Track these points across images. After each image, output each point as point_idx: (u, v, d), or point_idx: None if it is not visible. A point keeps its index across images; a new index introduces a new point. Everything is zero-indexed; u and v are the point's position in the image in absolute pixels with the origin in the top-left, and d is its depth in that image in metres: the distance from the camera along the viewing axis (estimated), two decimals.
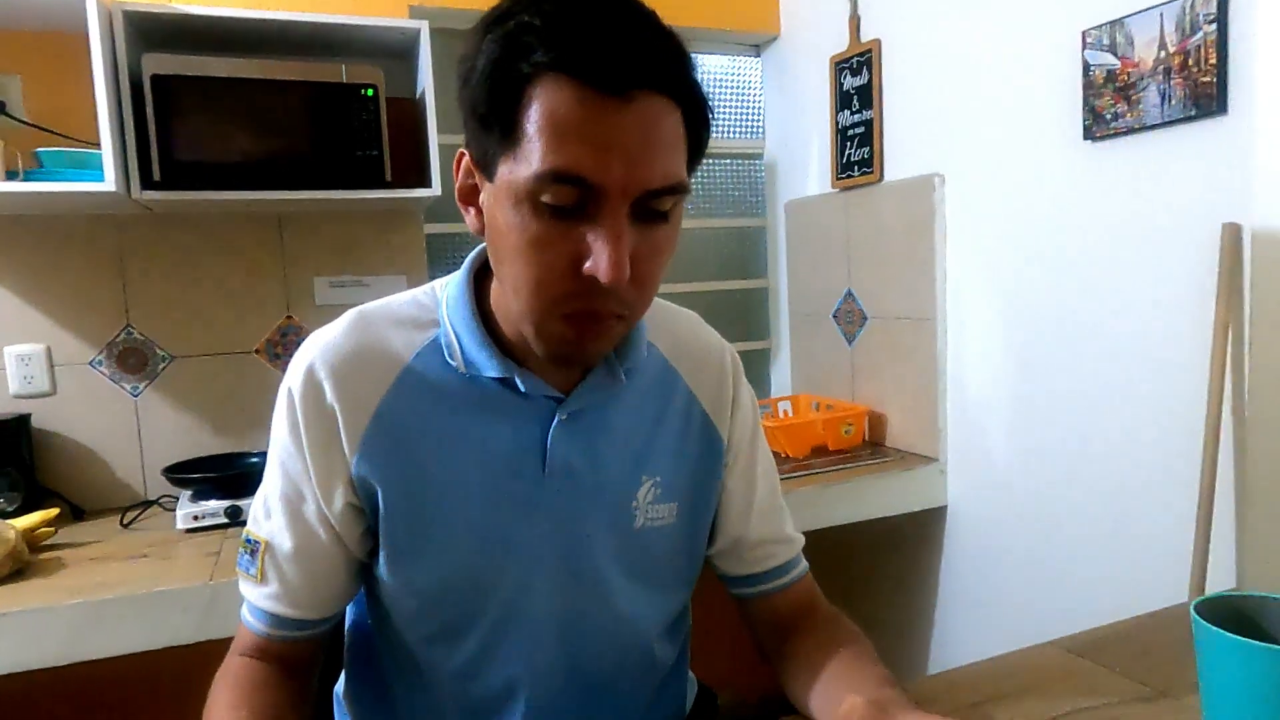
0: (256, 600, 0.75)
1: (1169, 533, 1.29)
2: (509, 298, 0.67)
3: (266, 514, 0.74)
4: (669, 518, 0.78)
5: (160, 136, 1.47)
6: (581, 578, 0.75)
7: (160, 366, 1.76)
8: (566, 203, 0.59)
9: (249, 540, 0.75)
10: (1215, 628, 0.52)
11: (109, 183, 1.41)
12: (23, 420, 1.63)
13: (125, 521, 1.58)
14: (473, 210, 0.69)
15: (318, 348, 0.72)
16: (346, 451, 0.70)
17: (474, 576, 0.73)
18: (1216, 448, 1.18)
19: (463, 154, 0.67)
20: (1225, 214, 1.20)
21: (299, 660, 0.77)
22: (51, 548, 1.45)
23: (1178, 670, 0.56)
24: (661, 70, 0.59)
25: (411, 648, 0.76)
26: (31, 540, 1.41)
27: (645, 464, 0.78)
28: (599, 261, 0.59)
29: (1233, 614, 0.55)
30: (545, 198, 0.59)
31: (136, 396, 1.75)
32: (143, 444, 1.76)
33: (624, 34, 0.58)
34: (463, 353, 0.72)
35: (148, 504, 1.67)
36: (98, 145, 1.44)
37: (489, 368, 0.71)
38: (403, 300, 0.77)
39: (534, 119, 0.58)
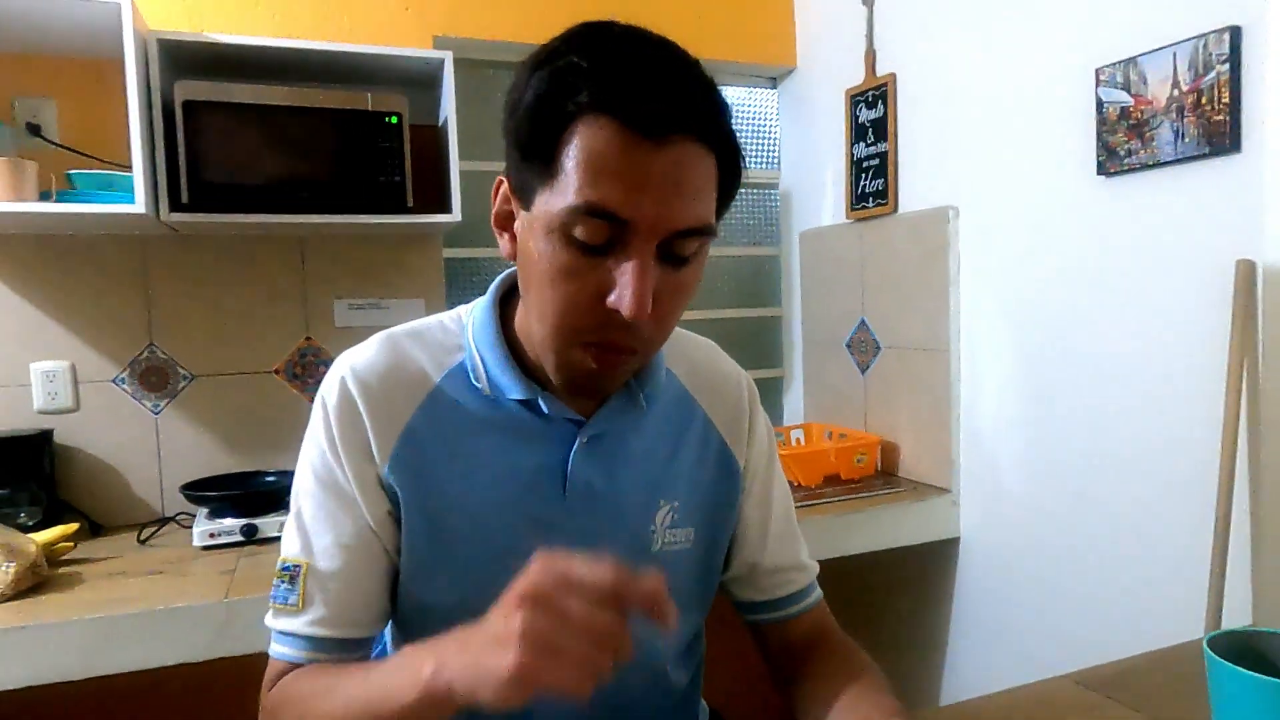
0: (297, 629, 0.73)
1: (1183, 566, 1.28)
2: (533, 323, 0.69)
3: (303, 537, 0.74)
4: (686, 542, 0.80)
5: (189, 160, 1.51)
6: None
7: (181, 385, 1.79)
8: (597, 240, 0.62)
9: (285, 568, 0.74)
10: (1228, 663, 0.52)
11: (139, 205, 1.45)
12: (46, 436, 1.65)
13: (142, 538, 1.60)
14: (507, 235, 0.71)
15: (351, 365, 0.75)
16: (378, 461, 0.72)
17: (492, 594, 0.74)
18: (1231, 482, 1.18)
19: (501, 180, 0.70)
20: (1238, 250, 1.21)
21: None
22: (70, 562, 1.47)
23: (1191, 706, 0.56)
24: (699, 118, 0.62)
25: None
26: (50, 555, 1.43)
27: (663, 488, 0.79)
28: (623, 296, 0.62)
29: (1246, 650, 0.55)
30: (577, 231, 0.62)
31: (157, 414, 1.77)
32: (162, 461, 1.78)
33: (666, 81, 0.61)
34: (488, 375, 0.74)
35: (165, 521, 1.69)
36: (127, 168, 1.48)
37: (513, 390, 0.74)
38: (429, 324, 0.80)
39: (573, 154, 0.61)
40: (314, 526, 0.73)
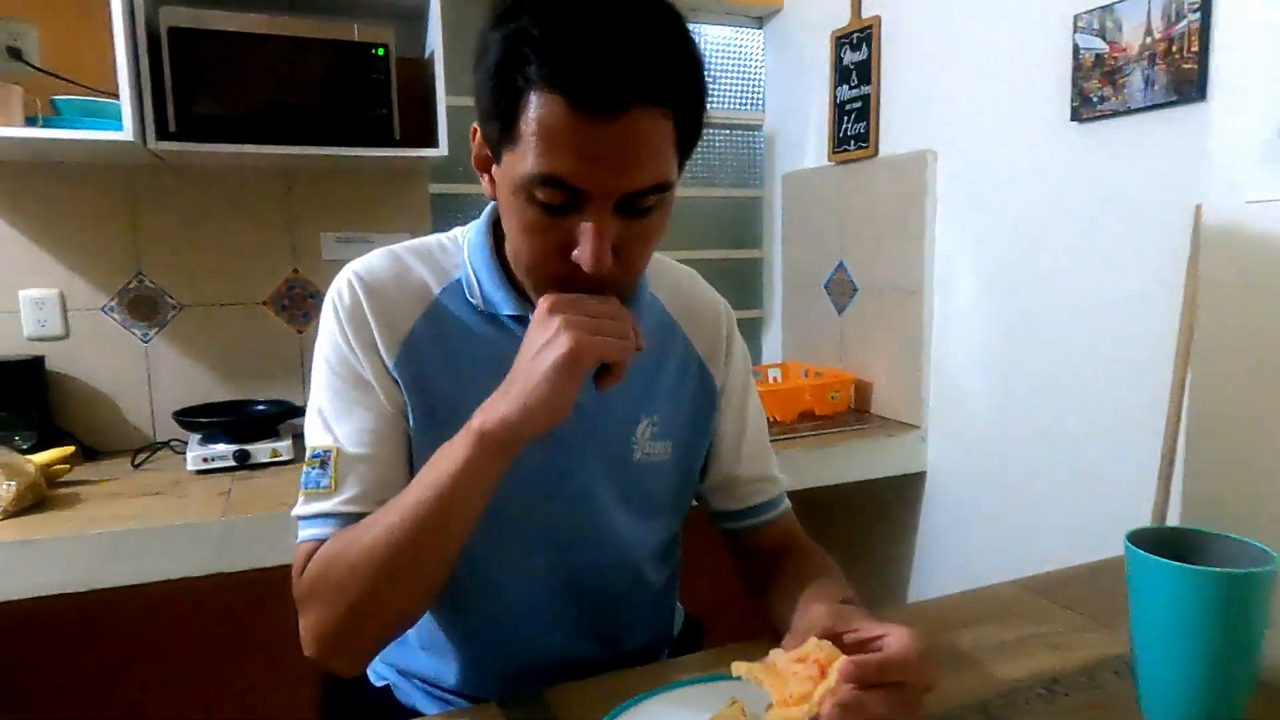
0: (331, 508, 0.75)
1: (1132, 492, 1.37)
2: (514, 262, 0.75)
3: (326, 424, 0.77)
4: (664, 454, 0.86)
5: (176, 89, 1.51)
6: (578, 503, 0.82)
7: (170, 314, 1.81)
8: (554, 202, 0.65)
9: (315, 454, 0.77)
10: (1141, 551, 0.59)
11: (127, 132, 1.45)
12: (37, 362, 1.68)
13: (136, 462, 1.65)
14: (486, 177, 0.75)
15: (357, 271, 0.79)
16: (386, 359, 0.77)
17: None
18: (1180, 413, 1.26)
19: (476, 129, 0.73)
20: (1200, 196, 1.26)
21: None
22: (66, 484, 1.52)
23: (1120, 605, 0.63)
24: (652, 85, 0.63)
25: None
26: (49, 476, 1.47)
27: (644, 404, 0.85)
28: (583, 253, 0.66)
29: (1162, 544, 0.62)
30: (538, 194, 0.65)
31: (147, 342, 1.80)
32: (152, 389, 1.81)
33: (617, 52, 0.62)
34: (482, 291, 0.79)
35: (158, 446, 1.73)
36: (112, 95, 1.47)
37: (505, 305, 0.79)
38: (429, 243, 0.84)
39: (528, 124, 0.64)
40: (337, 416, 0.77)
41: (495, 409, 0.67)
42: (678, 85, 0.65)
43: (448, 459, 0.68)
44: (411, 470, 0.79)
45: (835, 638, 0.61)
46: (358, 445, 0.76)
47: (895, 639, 0.58)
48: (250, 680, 1.72)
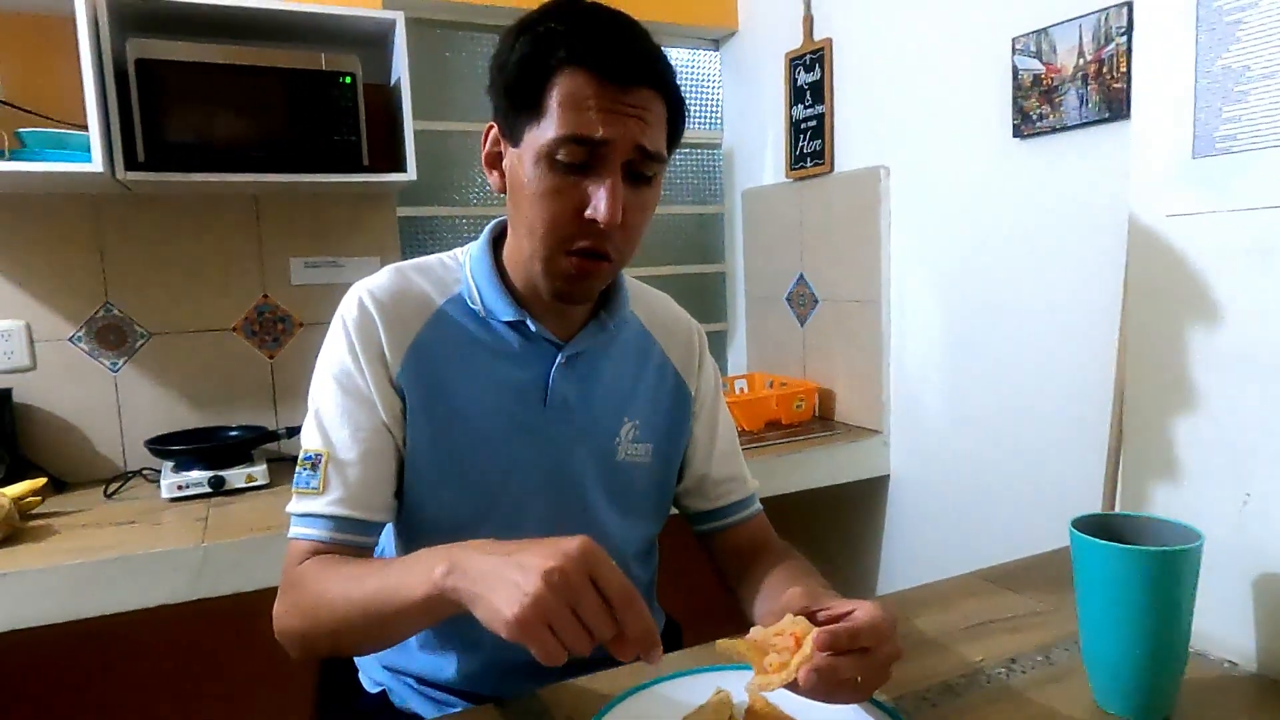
0: (319, 509, 0.80)
1: (1081, 490, 1.44)
2: (523, 240, 0.82)
3: (322, 429, 0.82)
4: (645, 456, 0.93)
5: (145, 119, 1.53)
6: (569, 495, 0.89)
7: (139, 343, 1.81)
8: (576, 160, 0.76)
9: (308, 457, 0.82)
10: (1083, 535, 0.65)
11: (95, 163, 1.46)
12: (4, 394, 1.67)
13: (109, 492, 1.64)
14: (496, 173, 0.85)
15: (366, 288, 0.86)
16: (391, 368, 0.83)
17: (483, 485, 0.86)
18: (1123, 412, 1.34)
19: (491, 127, 0.84)
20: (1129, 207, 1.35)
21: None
22: (39, 516, 1.51)
23: (1068, 591, 0.69)
24: (655, 73, 0.77)
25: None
26: (20, 509, 1.46)
27: (627, 407, 0.92)
28: (599, 206, 0.76)
29: (1104, 529, 0.67)
30: (560, 155, 0.75)
31: (116, 372, 1.80)
32: (123, 418, 1.81)
33: (629, 43, 0.77)
34: (482, 300, 0.87)
35: (129, 475, 1.73)
36: (77, 126, 1.48)
37: (504, 313, 0.86)
38: (431, 261, 0.92)
39: (556, 98, 0.75)
40: (333, 423, 0.82)
41: (460, 577, 0.63)
42: (669, 78, 0.79)
43: (413, 579, 0.67)
44: (402, 472, 0.84)
45: (810, 615, 0.66)
46: (348, 452, 0.81)
47: (864, 610, 0.64)
48: (234, 706, 1.72)
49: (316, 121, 1.66)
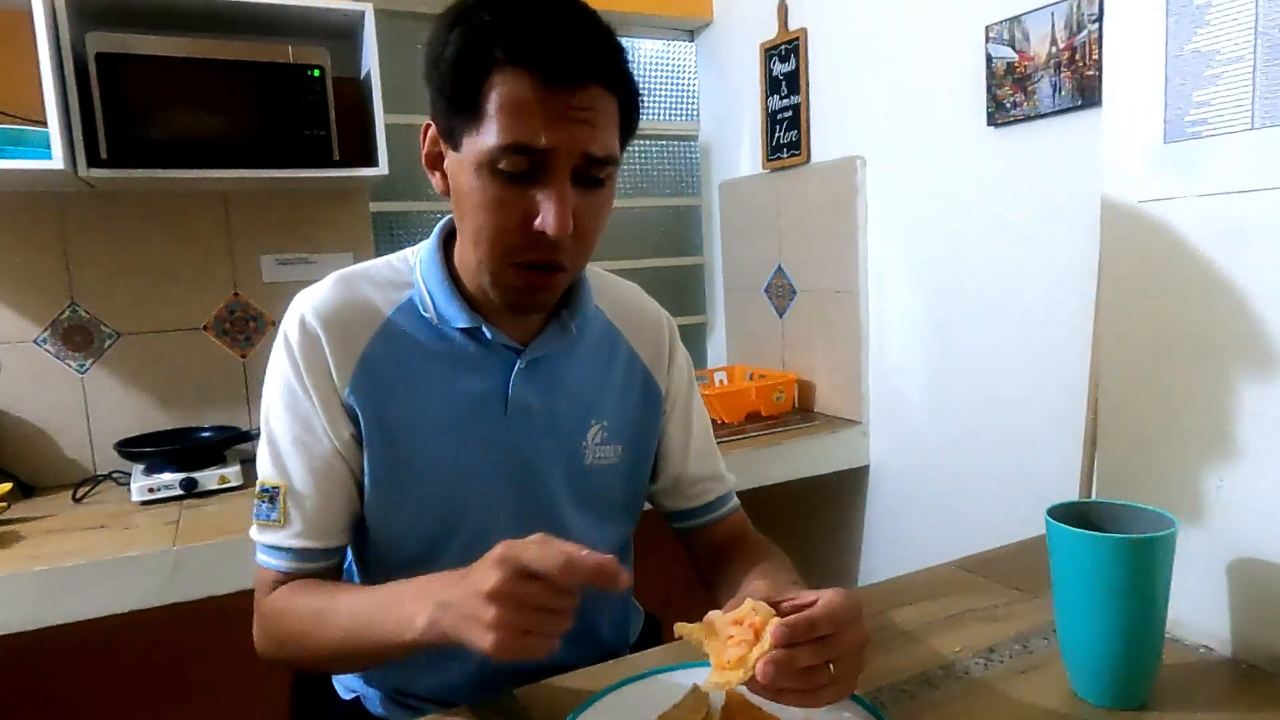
0: (281, 542, 0.81)
1: (1058, 476, 1.45)
2: (469, 249, 0.78)
3: (277, 461, 0.81)
4: (614, 458, 0.90)
5: (106, 115, 1.49)
6: (537, 505, 0.86)
7: (107, 344, 1.77)
8: (519, 169, 0.70)
9: (265, 489, 0.82)
10: (1058, 523, 0.64)
11: (56, 160, 1.43)
12: None
13: (77, 496, 1.61)
14: (438, 174, 0.79)
15: (309, 302, 0.81)
16: (339, 387, 0.80)
17: (445, 502, 0.83)
18: (1097, 399, 1.34)
19: (429, 125, 0.77)
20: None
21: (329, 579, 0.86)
22: (5, 522, 1.47)
23: (1044, 578, 0.69)
24: (602, 68, 0.71)
25: (390, 573, 0.84)
26: None
27: (594, 410, 0.89)
28: (546, 218, 0.71)
29: (1079, 517, 0.67)
30: (502, 165, 0.70)
31: (83, 373, 1.76)
32: (90, 421, 1.77)
33: (571, 35, 0.70)
34: (435, 307, 0.82)
35: (99, 479, 1.69)
36: (37, 122, 1.45)
37: (458, 319, 0.81)
38: (378, 265, 0.87)
39: (495, 102, 0.69)
40: (288, 452, 0.80)
41: (440, 623, 0.64)
42: (622, 74, 0.73)
43: (390, 623, 0.69)
44: (361, 492, 0.82)
45: (774, 606, 0.64)
46: (304, 483, 0.80)
47: (824, 597, 0.62)
48: (208, 712, 1.70)
49: (284, 116, 1.63)
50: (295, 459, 0.80)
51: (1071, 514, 0.67)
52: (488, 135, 0.70)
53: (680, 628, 0.65)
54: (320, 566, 0.82)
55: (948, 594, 0.88)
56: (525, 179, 0.71)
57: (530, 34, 0.68)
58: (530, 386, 0.84)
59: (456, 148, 0.74)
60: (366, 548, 0.86)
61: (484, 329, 0.81)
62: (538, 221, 0.71)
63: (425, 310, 0.82)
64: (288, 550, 0.81)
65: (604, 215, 0.78)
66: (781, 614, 0.62)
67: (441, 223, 0.87)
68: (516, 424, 0.84)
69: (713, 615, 0.65)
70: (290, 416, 0.80)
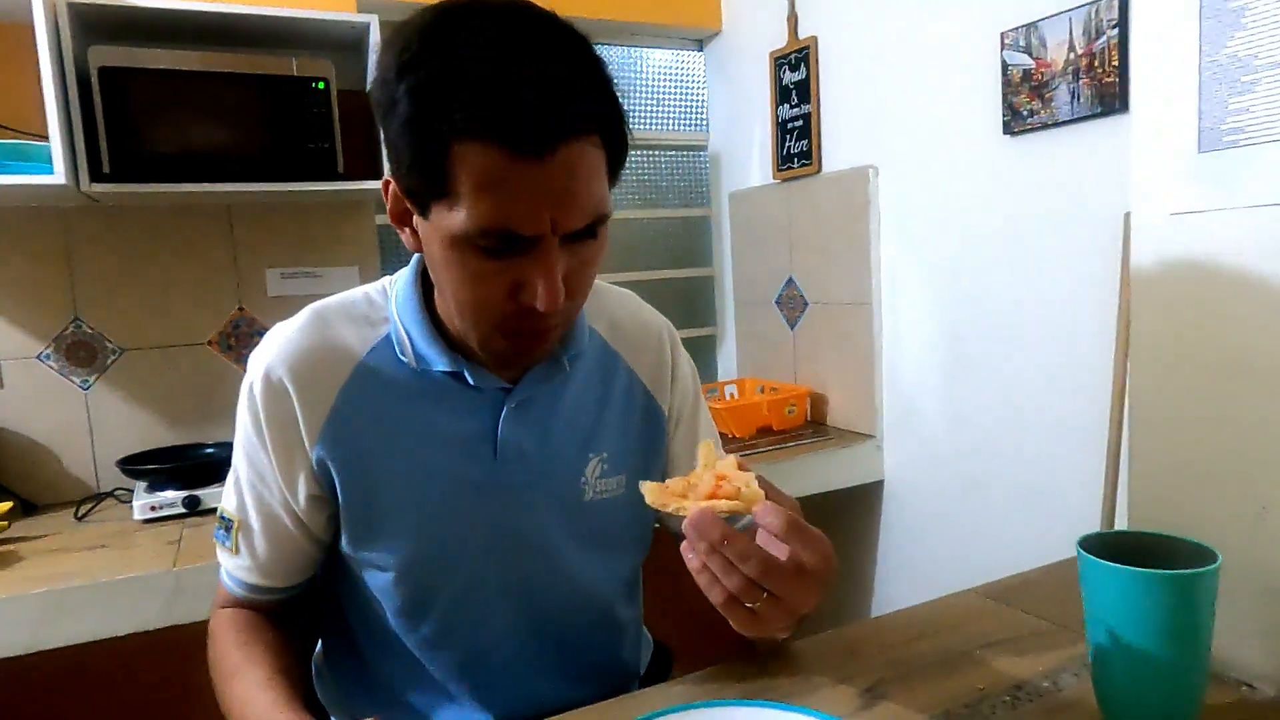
0: (233, 570, 0.82)
1: (1080, 494, 1.41)
2: (451, 309, 0.73)
3: (237, 494, 0.80)
4: (617, 489, 0.84)
5: (109, 129, 1.48)
6: (534, 551, 0.81)
7: (110, 359, 1.76)
8: (500, 246, 0.63)
9: (223, 517, 0.82)
10: (1093, 557, 0.61)
11: (58, 175, 1.41)
12: None
13: (80, 514, 1.59)
14: (407, 230, 0.71)
15: (276, 345, 0.76)
16: (306, 444, 0.75)
17: (431, 555, 0.78)
18: (1122, 415, 1.30)
19: (389, 181, 0.69)
20: (1127, 203, 1.31)
21: (281, 609, 0.85)
22: (6, 541, 1.45)
23: (1074, 606, 0.65)
24: (577, 117, 0.61)
25: (380, 620, 0.81)
26: None
27: (592, 443, 0.83)
28: (538, 295, 0.64)
29: (1113, 548, 0.63)
30: (480, 243, 0.63)
31: (87, 390, 1.74)
32: (94, 437, 1.75)
33: (540, 88, 0.59)
34: (413, 348, 0.76)
35: (101, 496, 1.68)
36: (41, 137, 1.43)
37: (439, 362, 0.76)
38: (355, 297, 0.81)
39: (461, 178, 0.61)
40: (245, 491, 0.79)
41: None
42: (600, 108, 0.64)
43: None
44: (320, 546, 0.81)
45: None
46: (257, 528, 0.79)
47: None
48: None
49: (289, 129, 1.61)
50: (250, 503, 0.79)
51: (1104, 545, 0.63)
52: (459, 214, 0.62)
53: (646, 492, 0.65)
54: (271, 600, 0.83)
55: (970, 624, 0.84)
56: (505, 252, 0.64)
57: (488, 94, 0.58)
58: (521, 427, 0.79)
59: (424, 214, 0.66)
60: (355, 595, 0.83)
61: (466, 373, 0.76)
62: (525, 295, 0.65)
63: (403, 353, 0.76)
64: (238, 580, 0.82)
65: (598, 264, 0.70)
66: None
67: (418, 255, 0.78)
68: (508, 467, 0.79)
69: (672, 481, 0.66)
70: (247, 463, 0.78)
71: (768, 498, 0.63)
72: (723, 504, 0.61)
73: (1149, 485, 0.76)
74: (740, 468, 0.66)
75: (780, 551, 0.62)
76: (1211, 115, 0.67)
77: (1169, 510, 0.74)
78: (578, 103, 0.62)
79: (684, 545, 0.62)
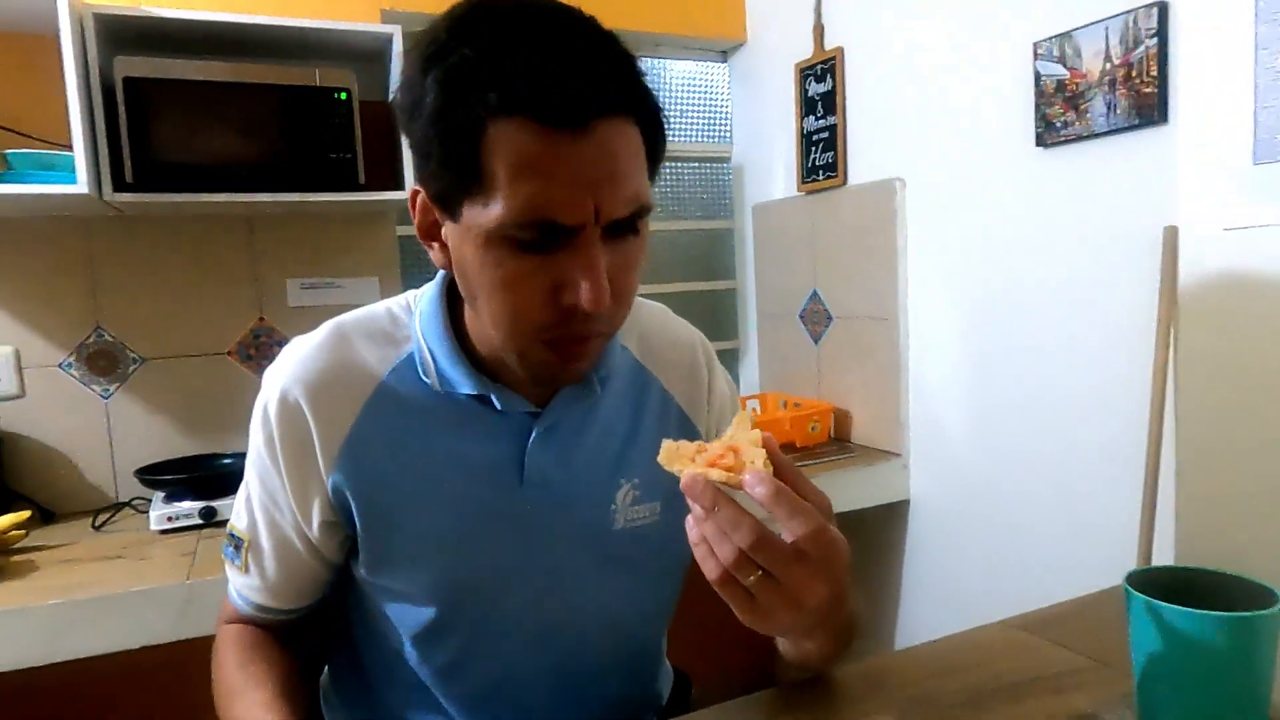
0: (240, 588, 0.80)
1: (1115, 520, 1.35)
2: (488, 329, 0.68)
3: (249, 513, 0.78)
4: (650, 516, 0.80)
5: (133, 139, 1.48)
6: (561, 580, 0.77)
7: (131, 368, 1.76)
8: (538, 238, 0.60)
9: (232, 535, 0.80)
10: (1142, 595, 0.57)
11: (82, 184, 1.42)
12: None
13: (97, 524, 1.58)
14: (436, 245, 0.68)
15: (293, 363, 0.73)
16: (322, 468, 0.72)
17: (450, 583, 0.75)
18: (1160, 439, 1.25)
19: (417, 191, 0.67)
20: (1167, 217, 1.27)
21: (288, 628, 0.83)
22: (22, 550, 1.45)
23: (1116, 641, 0.61)
24: (613, 93, 0.59)
25: (394, 646, 0.79)
26: (2, 543, 1.40)
27: (622, 468, 0.79)
28: (581, 293, 0.61)
29: (1162, 585, 0.59)
30: (517, 236, 0.60)
31: (107, 399, 1.74)
32: (114, 446, 1.75)
33: (570, 62, 0.58)
34: (437, 369, 0.73)
35: (119, 506, 1.67)
36: (65, 147, 1.44)
37: (464, 385, 0.72)
38: (378, 313, 0.78)
39: (495, 163, 0.58)
40: (256, 510, 0.77)
41: None
42: (635, 93, 0.62)
43: None
44: (331, 569, 0.80)
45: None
46: (267, 549, 0.77)
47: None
48: None
49: (310, 139, 1.60)
50: (261, 523, 0.77)
51: (1153, 582, 0.59)
52: (494, 205, 0.59)
53: (667, 443, 0.60)
54: (278, 620, 0.82)
55: (1003, 660, 0.80)
56: (545, 246, 0.60)
57: (522, 69, 0.56)
58: (549, 454, 0.75)
59: (454, 217, 0.62)
60: (368, 620, 0.81)
61: (493, 397, 0.72)
62: (570, 295, 0.61)
63: (426, 375, 0.73)
64: (246, 599, 0.80)
65: (640, 264, 0.66)
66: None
67: (443, 272, 0.75)
68: (534, 493, 0.75)
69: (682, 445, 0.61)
70: (259, 484, 0.75)
71: (795, 487, 0.58)
72: (714, 472, 0.56)
73: (1198, 515, 0.72)
74: (765, 445, 0.59)
75: (787, 534, 0.57)
76: (1267, 125, 0.64)
77: (1221, 542, 0.70)
78: (612, 81, 0.60)
79: (688, 519, 0.58)
